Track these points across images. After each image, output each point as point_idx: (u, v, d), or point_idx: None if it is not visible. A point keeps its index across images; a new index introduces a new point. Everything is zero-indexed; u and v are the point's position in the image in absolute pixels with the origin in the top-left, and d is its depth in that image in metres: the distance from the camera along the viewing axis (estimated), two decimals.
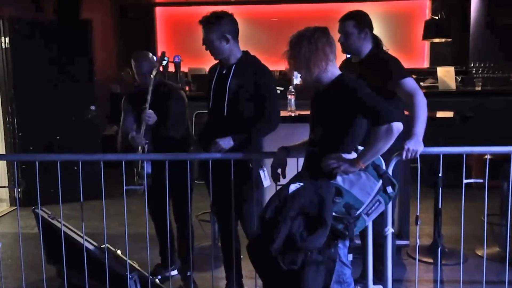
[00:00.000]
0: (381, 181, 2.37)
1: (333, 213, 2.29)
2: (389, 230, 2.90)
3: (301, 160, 2.68)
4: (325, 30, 2.46)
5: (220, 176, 3.07)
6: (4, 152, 5.82)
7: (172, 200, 3.55)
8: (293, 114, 4.38)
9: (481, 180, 3.03)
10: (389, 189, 2.37)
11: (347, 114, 2.40)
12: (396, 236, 3.75)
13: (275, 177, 2.83)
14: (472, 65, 7.83)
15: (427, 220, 4.08)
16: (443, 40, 7.47)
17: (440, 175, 3.06)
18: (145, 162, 3.40)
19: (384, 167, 2.44)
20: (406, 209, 4.26)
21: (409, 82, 3.06)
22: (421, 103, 2.94)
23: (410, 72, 3.23)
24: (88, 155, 4.03)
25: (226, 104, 3.09)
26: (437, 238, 3.91)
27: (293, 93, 4.43)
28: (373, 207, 2.37)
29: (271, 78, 3.24)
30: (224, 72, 3.14)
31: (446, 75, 6.81)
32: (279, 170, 2.82)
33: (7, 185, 5.82)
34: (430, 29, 7.31)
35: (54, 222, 3.47)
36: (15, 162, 3.47)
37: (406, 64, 3.25)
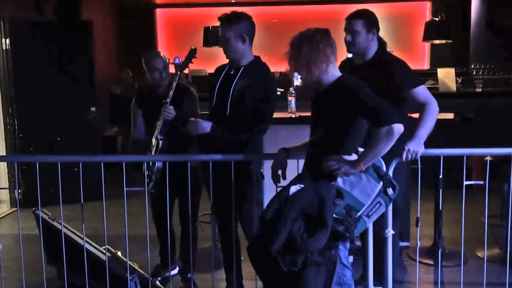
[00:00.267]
0: (381, 183, 2.36)
1: (334, 215, 2.28)
2: (390, 232, 2.90)
3: (302, 162, 2.68)
4: (326, 32, 2.46)
5: (220, 177, 3.07)
6: (4, 153, 5.82)
7: (179, 202, 3.58)
8: (293, 116, 4.36)
9: (481, 182, 3.01)
10: (390, 190, 2.37)
11: (348, 115, 2.39)
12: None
13: (275, 179, 2.83)
14: (472, 66, 7.81)
15: (428, 222, 4.08)
16: (443, 41, 7.45)
17: (440, 176, 3.05)
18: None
19: (384, 169, 2.43)
20: (407, 210, 4.25)
21: (422, 91, 2.99)
22: (434, 112, 2.92)
23: None
24: (89, 156, 4.02)
25: (229, 104, 3.08)
26: (437, 240, 3.91)
27: (293, 95, 4.42)
28: (374, 209, 2.37)
29: (275, 90, 3.20)
30: (232, 72, 3.14)
31: (447, 76, 6.80)
32: (280, 172, 2.81)
33: (7, 186, 5.81)
34: (431, 31, 7.29)
35: (55, 223, 3.48)
36: (16, 163, 3.47)
37: None
